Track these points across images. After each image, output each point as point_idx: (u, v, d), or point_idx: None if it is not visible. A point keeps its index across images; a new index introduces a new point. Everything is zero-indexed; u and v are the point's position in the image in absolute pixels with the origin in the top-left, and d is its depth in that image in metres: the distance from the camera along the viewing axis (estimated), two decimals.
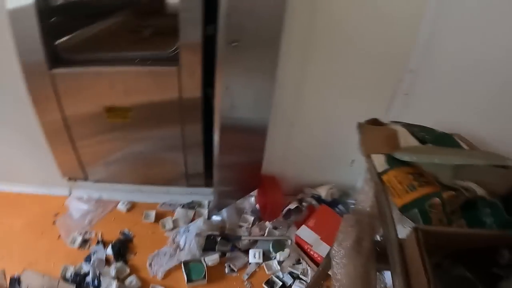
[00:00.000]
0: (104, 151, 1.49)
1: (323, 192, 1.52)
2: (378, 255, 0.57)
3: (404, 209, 0.56)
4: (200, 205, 1.58)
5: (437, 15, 1.01)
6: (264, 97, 1.07)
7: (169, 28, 1.19)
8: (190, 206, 1.57)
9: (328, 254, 0.89)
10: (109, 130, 1.39)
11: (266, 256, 1.37)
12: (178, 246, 1.41)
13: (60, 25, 1.19)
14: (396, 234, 0.51)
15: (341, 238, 0.61)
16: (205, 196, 1.60)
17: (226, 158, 1.21)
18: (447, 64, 1.12)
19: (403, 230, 0.53)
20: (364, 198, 0.65)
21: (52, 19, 1.15)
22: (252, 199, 1.55)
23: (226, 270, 1.33)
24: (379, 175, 0.63)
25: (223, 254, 1.37)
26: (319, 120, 1.34)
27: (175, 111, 1.23)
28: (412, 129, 0.77)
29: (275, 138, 1.33)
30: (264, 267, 1.33)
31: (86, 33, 1.36)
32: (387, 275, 1.09)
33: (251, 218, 1.48)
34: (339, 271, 0.58)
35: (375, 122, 0.81)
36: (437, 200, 0.54)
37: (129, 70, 1.18)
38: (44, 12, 1.06)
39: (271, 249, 1.38)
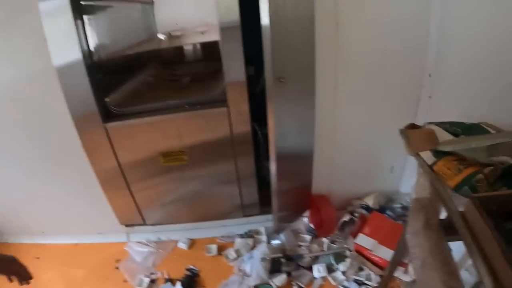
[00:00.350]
0: (160, 193, 1.69)
1: (370, 201, 1.68)
2: (446, 230, 0.72)
3: (457, 188, 0.73)
4: (257, 232, 1.75)
5: (442, 20, 1.21)
6: (308, 124, 1.27)
7: (205, 74, 1.44)
8: (248, 235, 1.74)
9: (398, 249, 1.04)
10: (164, 173, 1.59)
11: (329, 269, 1.50)
12: (244, 273, 1.56)
13: (105, 81, 1.42)
14: (457, 207, 0.68)
15: (412, 223, 0.77)
16: (260, 223, 1.77)
17: (282, 185, 1.39)
18: (459, 63, 1.31)
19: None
20: (421, 188, 0.81)
21: (99, 75, 1.39)
22: (305, 219, 1.71)
23: (294, 287, 1.47)
24: (430, 167, 0.80)
25: (288, 274, 1.51)
26: (357, 135, 1.53)
27: (228, 147, 1.44)
28: (444, 126, 0.94)
29: (320, 158, 1.51)
30: (329, 279, 1.46)
31: (129, 88, 1.62)
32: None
33: (308, 237, 1.63)
34: (416, 250, 0.73)
35: (412, 126, 0.99)
36: (480, 176, 0.71)
37: (179, 116, 1.40)
38: (91, 67, 1.29)
39: (332, 262, 1.52)
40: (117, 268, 1.74)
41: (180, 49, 1.90)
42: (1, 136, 1.53)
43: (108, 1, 1.59)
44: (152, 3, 1.82)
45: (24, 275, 0.91)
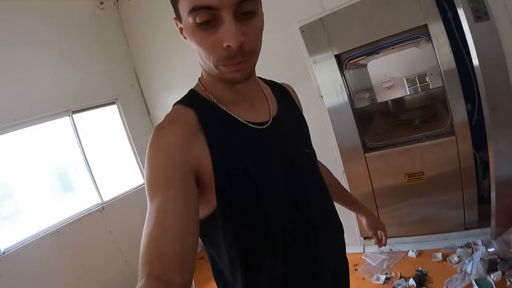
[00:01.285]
0: (401, 216, 2.54)
1: None
2: None
3: None
4: (475, 244, 2.25)
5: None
6: None
7: (430, 115, 2.34)
8: (467, 245, 2.27)
9: None
10: (406, 196, 2.45)
11: None
12: (465, 272, 2.10)
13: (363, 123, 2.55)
14: None
15: None
16: (477, 236, 2.27)
17: (500, 204, 1.98)
18: None
19: None
20: None
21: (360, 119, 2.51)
22: None
23: (507, 283, 1.88)
24: None
25: (503, 273, 1.94)
26: None
27: (457, 171, 2.21)
28: None
29: None
30: None
31: (379, 128, 2.70)
32: None
33: None
34: None
35: None
36: None
37: (420, 145, 2.32)
38: (356, 112, 2.43)
39: None
40: (356, 270, 2.64)
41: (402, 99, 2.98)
42: None
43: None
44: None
45: None
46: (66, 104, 3.23)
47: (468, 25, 1.80)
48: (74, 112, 3.30)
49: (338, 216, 0.92)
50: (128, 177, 3.71)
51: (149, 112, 3.97)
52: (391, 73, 3.37)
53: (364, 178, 2.56)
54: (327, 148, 2.63)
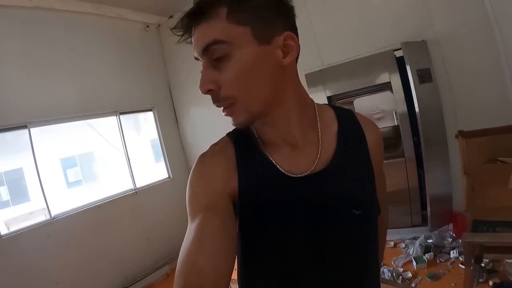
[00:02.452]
0: None
1: None
2: None
3: None
4: (419, 237, 3.19)
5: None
6: (446, 171, 2.94)
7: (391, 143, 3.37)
8: (414, 238, 3.22)
9: None
10: None
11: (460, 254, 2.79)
12: (408, 253, 3.03)
13: None
14: None
15: None
16: (421, 232, 3.22)
17: (433, 212, 2.98)
18: None
19: None
20: None
21: None
22: (450, 228, 3.07)
23: (437, 261, 2.82)
24: None
25: (434, 255, 2.88)
26: None
27: (406, 184, 3.20)
28: None
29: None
30: (460, 259, 2.75)
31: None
32: None
33: (450, 239, 2.99)
34: None
35: None
36: None
37: None
38: None
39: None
40: None
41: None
42: None
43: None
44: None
45: None
46: (115, 106, 4.17)
47: (414, 85, 2.86)
48: (121, 113, 4.24)
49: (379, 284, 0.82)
50: (157, 171, 4.63)
51: (177, 121, 4.96)
52: (384, 106, 4.43)
53: None
54: None
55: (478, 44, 2.82)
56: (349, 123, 0.77)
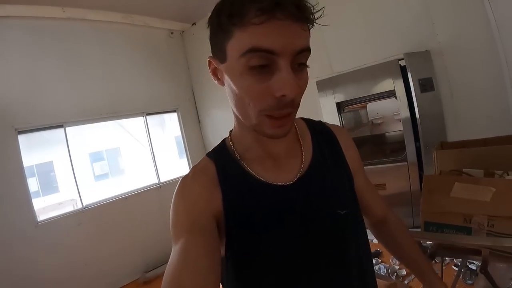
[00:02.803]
0: None
1: None
2: None
3: None
4: None
5: None
6: None
7: (397, 148, 3.53)
8: None
9: None
10: None
11: None
12: None
13: None
14: None
15: None
16: None
17: None
18: None
19: None
20: None
21: None
22: None
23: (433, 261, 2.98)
24: None
25: None
26: None
27: (407, 185, 3.37)
28: None
29: None
30: (454, 262, 2.89)
31: (363, 151, 3.89)
32: None
33: None
34: None
35: None
36: None
37: (385, 166, 3.50)
38: None
39: None
40: None
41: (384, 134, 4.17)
42: None
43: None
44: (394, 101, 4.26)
45: None
46: (142, 108, 4.55)
47: (415, 94, 3.02)
48: (148, 114, 4.62)
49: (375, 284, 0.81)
50: (180, 166, 5.02)
51: (199, 121, 5.33)
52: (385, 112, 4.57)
53: None
54: None
55: (480, 55, 2.93)
56: (320, 131, 0.83)
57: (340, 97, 3.65)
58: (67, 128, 3.91)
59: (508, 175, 1.44)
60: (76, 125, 4.02)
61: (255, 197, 0.68)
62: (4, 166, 3.33)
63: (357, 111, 3.96)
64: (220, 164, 0.72)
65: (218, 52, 0.62)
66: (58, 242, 3.53)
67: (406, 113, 3.24)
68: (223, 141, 0.79)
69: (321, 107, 3.78)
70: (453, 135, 3.11)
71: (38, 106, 3.60)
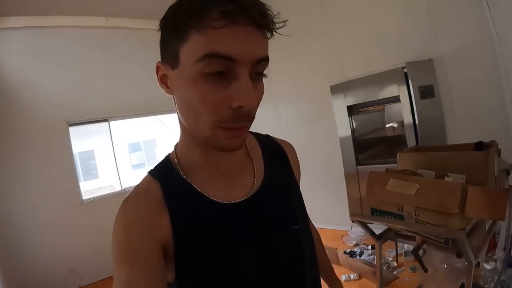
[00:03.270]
0: None
1: None
2: None
3: None
4: None
5: None
6: None
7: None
8: None
9: None
10: None
11: None
12: (402, 248, 3.45)
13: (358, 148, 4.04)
14: None
15: None
16: None
17: None
18: None
19: None
20: None
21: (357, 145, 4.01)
22: None
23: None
24: None
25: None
26: None
27: None
28: None
29: None
30: None
31: (368, 152, 4.14)
32: None
33: None
34: None
35: None
36: None
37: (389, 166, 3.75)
38: (354, 140, 3.94)
39: None
40: (341, 238, 4.11)
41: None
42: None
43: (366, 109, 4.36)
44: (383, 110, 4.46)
45: None
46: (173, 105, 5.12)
47: (415, 100, 3.26)
48: None
49: None
50: None
51: None
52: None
53: (355, 184, 4.02)
54: (336, 157, 4.17)
55: (480, 64, 3.10)
56: (270, 145, 0.81)
57: (350, 101, 3.95)
58: (110, 122, 4.57)
59: (448, 176, 1.73)
60: (119, 119, 4.67)
61: (206, 218, 0.64)
62: (57, 152, 4.04)
63: (373, 113, 4.20)
64: (166, 184, 0.65)
65: (170, 56, 0.58)
66: (98, 217, 4.14)
67: (409, 117, 3.47)
68: (167, 157, 0.72)
69: (334, 110, 4.10)
70: (453, 140, 3.30)
71: (86, 102, 4.28)
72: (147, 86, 4.73)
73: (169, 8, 0.57)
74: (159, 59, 0.63)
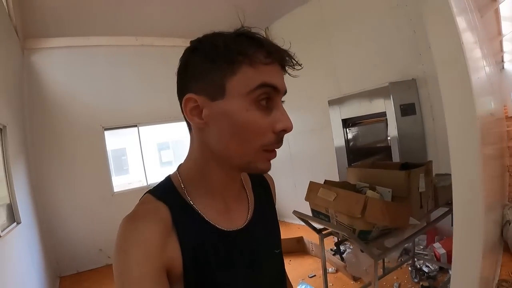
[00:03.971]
0: None
1: None
2: None
3: None
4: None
5: None
6: None
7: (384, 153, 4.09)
8: None
9: None
10: None
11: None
12: None
13: (352, 157, 4.40)
14: None
15: None
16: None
17: None
18: None
19: None
20: None
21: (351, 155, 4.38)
22: None
23: (401, 260, 3.55)
24: None
25: (400, 256, 3.61)
26: None
27: None
28: None
29: None
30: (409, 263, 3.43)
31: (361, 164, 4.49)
32: None
33: (422, 247, 3.64)
34: None
35: None
36: None
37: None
38: (348, 150, 4.31)
39: None
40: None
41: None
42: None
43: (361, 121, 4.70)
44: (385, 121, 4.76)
45: None
46: None
47: (396, 117, 3.60)
48: None
49: None
50: None
51: None
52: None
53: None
54: (333, 165, 4.57)
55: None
56: (258, 179, 0.87)
57: (345, 114, 4.36)
58: (140, 127, 5.33)
59: (375, 190, 2.16)
60: (147, 125, 5.42)
61: (213, 244, 0.67)
62: (94, 152, 4.87)
63: (364, 126, 4.51)
64: (174, 208, 0.66)
65: (210, 88, 0.61)
66: (126, 207, 4.83)
67: (394, 132, 3.82)
68: (169, 179, 0.73)
69: (331, 122, 4.52)
70: (433, 154, 3.60)
71: (118, 110, 5.06)
72: (171, 96, 5.44)
73: (204, 44, 0.64)
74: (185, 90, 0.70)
